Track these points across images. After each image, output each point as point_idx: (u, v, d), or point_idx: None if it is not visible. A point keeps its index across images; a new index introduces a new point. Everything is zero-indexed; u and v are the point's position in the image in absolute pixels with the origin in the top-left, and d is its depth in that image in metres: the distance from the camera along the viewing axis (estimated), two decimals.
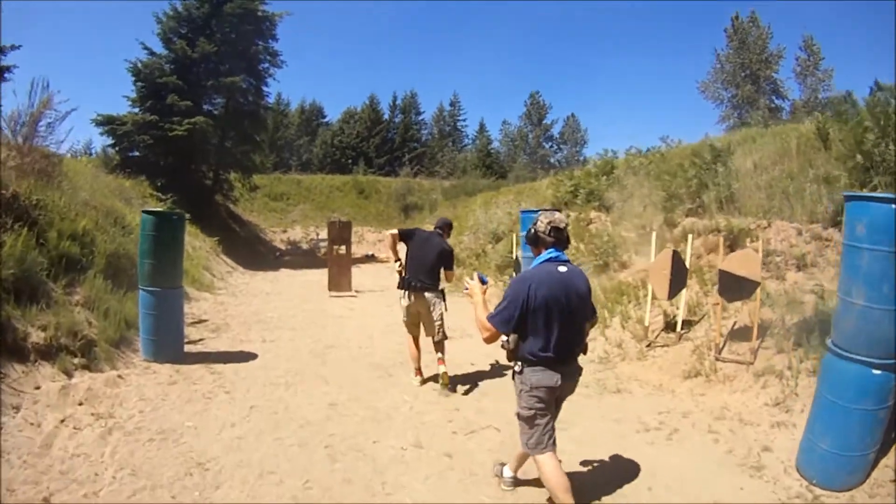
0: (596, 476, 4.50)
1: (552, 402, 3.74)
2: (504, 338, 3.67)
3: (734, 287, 6.74)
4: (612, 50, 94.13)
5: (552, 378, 3.61)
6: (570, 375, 3.77)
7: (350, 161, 51.61)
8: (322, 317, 11.24)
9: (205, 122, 21.18)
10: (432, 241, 6.66)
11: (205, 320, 9.95)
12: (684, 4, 78.90)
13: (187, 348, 7.82)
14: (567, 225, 3.77)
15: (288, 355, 8.03)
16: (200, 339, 8.59)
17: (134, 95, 21.78)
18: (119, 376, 6.20)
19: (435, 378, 6.76)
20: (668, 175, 11.82)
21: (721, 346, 6.85)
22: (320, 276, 17.29)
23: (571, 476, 3.84)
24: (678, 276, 7.49)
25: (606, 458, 4.81)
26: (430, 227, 7.35)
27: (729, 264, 6.80)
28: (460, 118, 61.55)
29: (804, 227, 8.06)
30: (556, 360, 3.62)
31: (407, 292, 6.52)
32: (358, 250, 16.36)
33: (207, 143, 22.68)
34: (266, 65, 24.83)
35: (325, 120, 59.23)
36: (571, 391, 3.90)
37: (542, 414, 3.69)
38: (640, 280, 9.51)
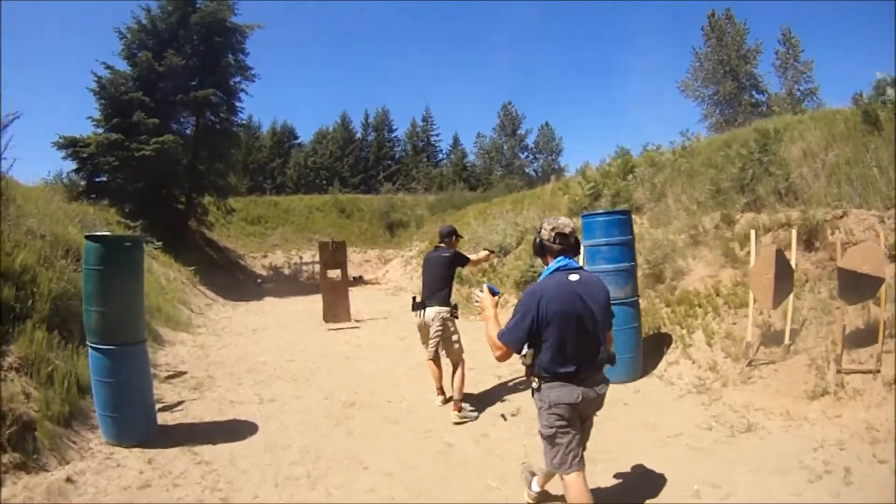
0: None
1: (575, 419, 3.48)
2: (521, 354, 3.47)
3: (854, 286, 5.88)
4: (585, 56, 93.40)
5: (572, 394, 3.38)
6: (593, 389, 3.48)
7: (325, 182, 50.45)
8: (326, 359, 9.25)
9: (174, 141, 19.55)
10: (433, 258, 6.70)
11: (183, 373, 7.99)
12: (660, 5, 77.93)
13: (163, 418, 5.93)
14: (573, 230, 3.58)
15: (298, 423, 6.04)
16: (179, 403, 6.60)
17: (98, 115, 20.12)
18: (69, 479, 4.28)
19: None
20: (713, 168, 10.82)
21: (839, 355, 5.81)
22: (310, 303, 15.77)
23: None
24: (783, 281, 6.40)
25: None
26: (418, 244, 6.67)
27: (850, 261, 5.91)
28: (433, 133, 60.84)
29: (883, 213, 7.34)
30: (576, 375, 3.40)
31: (418, 312, 6.47)
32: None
33: (178, 163, 21.03)
34: (238, 78, 23.17)
35: (298, 141, 57.71)
36: (598, 406, 3.63)
37: (563, 432, 3.44)
38: (711, 287, 8.18)
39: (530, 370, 3.51)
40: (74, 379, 5.51)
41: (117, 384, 5.08)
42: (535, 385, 3.50)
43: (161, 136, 19.07)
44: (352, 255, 27.58)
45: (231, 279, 22.48)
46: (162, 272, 14.26)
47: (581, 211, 13.62)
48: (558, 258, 3.52)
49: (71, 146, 18.93)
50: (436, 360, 6.53)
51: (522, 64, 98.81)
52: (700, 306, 7.97)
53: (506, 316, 3.50)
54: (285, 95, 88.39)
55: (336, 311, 12.97)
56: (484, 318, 3.61)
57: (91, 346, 5.15)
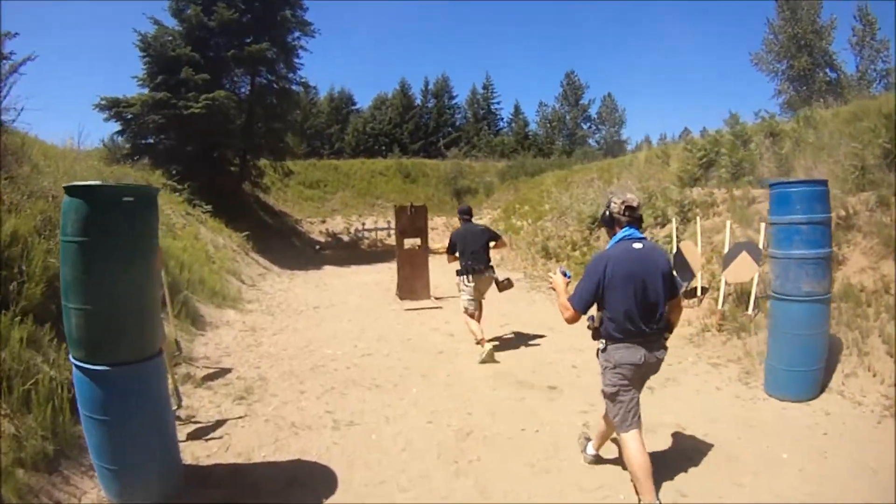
0: None
1: (637, 379, 3.63)
2: (589, 317, 3.68)
3: None
4: (650, 27, 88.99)
5: (636, 354, 3.51)
6: (654, 353, 3.58)
7: (384, 148, 49.43)
8: (414, 353, 7.30)
9: (226, 97, 17.90)
10: (471, 230, 7.52)
11: (226, 370, 6.22)
12: None
13: (193, 452, 4.11)
14: (640, 204, 3.72)
15: (399, 470, 4.04)
16: (218, 425, 4.70)
17: (142, 74, 18.50)
18: None
19: None
20: (853, 141, 8.74)
21: None
22: (376, 274, 14.32)
23: None
24: None
25: None
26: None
27: None
28: (494, 101, 59.12)
29: None
30: (639, 336, 3.52)
31: (470, 276, 7.24)
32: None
33: (231, 123, 19.39)
34: (296, 34, 21.28)
35: (356, 107, 56.52)
36: (655, 370, 3.70)
37: (625, 390, 3.59)
38: (880, 281, 6.30)
39: (597, 333, 3.66)
40: (66, 394, 3.76)
41: (115, 424, 3.18)
42: (601, 346, 3.64)
43: (211, 92, 17.52)
44: None
45: (287, 245, 21.04)
46: (210, 238, 12.69)
47: (692, 181, 11.65)
48: (625, 228, 3.65)
49: (113, 106, 17.42)
50: (476, 315, 7.31)
51: (585, 32, 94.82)
52: (869, 305, 6.19)
53: None
54: (342, 61, 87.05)
55: (414, 286, 11.25)
56: (557, 292, 3.84)
57: (75, 365, 3.22)
